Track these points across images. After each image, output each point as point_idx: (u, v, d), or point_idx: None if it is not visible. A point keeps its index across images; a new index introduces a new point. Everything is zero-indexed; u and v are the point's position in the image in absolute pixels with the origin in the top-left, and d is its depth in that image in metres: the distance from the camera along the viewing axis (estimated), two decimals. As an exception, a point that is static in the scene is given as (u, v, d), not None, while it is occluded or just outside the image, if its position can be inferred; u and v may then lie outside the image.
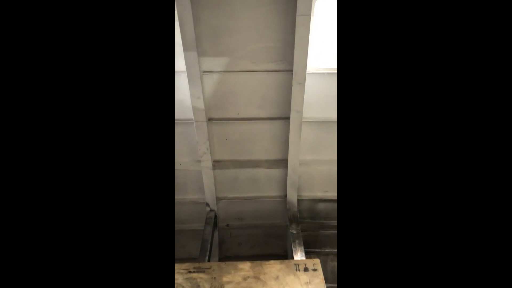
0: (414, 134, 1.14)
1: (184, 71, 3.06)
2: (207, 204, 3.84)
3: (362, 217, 1.19)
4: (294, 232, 3.45)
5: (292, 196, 3.74)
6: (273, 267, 2.74)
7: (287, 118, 3.34)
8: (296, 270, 2.72)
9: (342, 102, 1.23)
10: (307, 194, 3.87)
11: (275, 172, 3.69)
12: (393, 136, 1.15)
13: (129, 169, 1.15)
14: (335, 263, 4.03)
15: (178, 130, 3.45)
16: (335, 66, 3.17)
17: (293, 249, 3.26)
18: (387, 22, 1.13)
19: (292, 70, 3.06)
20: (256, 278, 2.67)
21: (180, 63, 3.05)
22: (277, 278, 2.66)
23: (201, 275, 2.68)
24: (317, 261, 2.84)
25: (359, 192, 1.19)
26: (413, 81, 1.13)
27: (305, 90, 3.08)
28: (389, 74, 1.15)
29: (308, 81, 3.08)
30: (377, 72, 1.15)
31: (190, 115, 3.28)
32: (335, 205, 3.83)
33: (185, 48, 2.82)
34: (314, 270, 2.74)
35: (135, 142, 1.16)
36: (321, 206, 3.93)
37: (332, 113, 3.36)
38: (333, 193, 3.82)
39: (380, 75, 1.15)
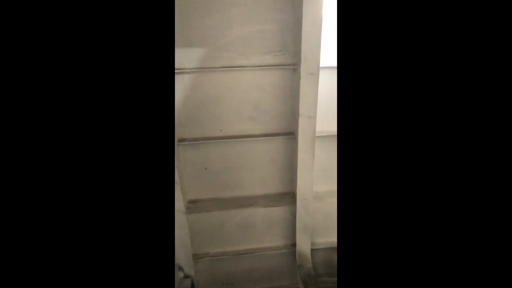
0: (419, 141, 1.05)
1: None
2: (180, 268, 2.67)
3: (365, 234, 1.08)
4: (315, 302, 2.30)
5: (303, 246, 2.65)
6: None
7: (290, 134, 2.45)
8: None
9: (342, 107, 1.11)
10: (323, 240, 2.81)
11: (278, 212, 2.66)
12: (398, 142, 1.05)
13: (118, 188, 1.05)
14: None
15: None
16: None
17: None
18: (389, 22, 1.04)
19: (295, 64, 2.25)
20: None
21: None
22: None
23: None
24: None
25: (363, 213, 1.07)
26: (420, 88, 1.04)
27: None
28: (392, 78, 1.05)
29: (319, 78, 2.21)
30: (381, 76, 1.05)
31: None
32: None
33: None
34: None
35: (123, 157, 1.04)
36: (341, 256, 2.87)
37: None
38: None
39: (385, 78, 1.05)
